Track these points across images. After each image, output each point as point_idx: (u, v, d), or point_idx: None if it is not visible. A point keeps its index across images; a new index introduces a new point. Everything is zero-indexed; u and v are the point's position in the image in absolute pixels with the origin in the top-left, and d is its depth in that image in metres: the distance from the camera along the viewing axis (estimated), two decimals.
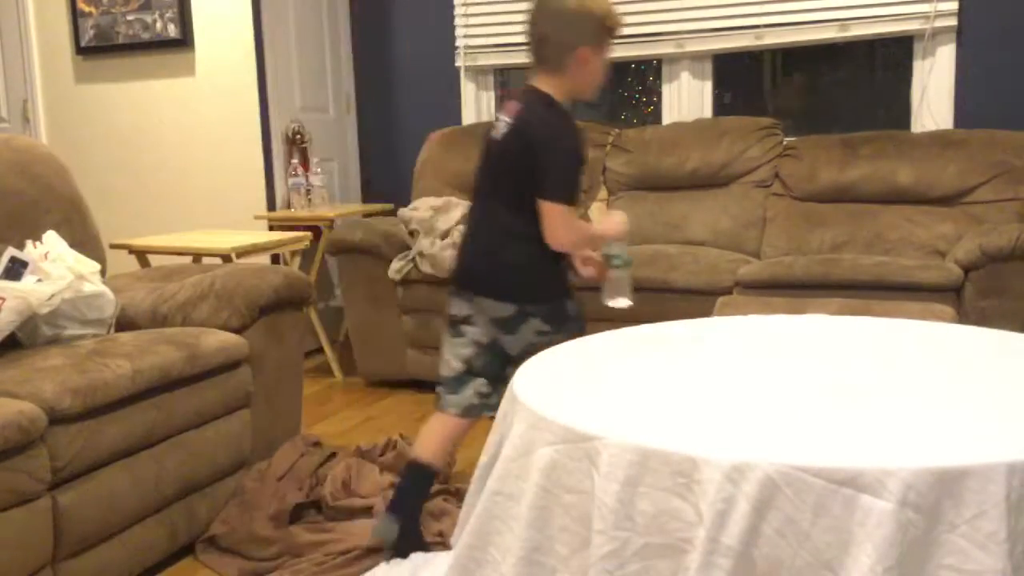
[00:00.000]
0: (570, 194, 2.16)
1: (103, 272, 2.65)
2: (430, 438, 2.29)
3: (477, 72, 4.49)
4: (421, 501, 2.29)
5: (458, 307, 2.28)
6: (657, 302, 3.22)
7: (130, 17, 4.30)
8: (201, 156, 4.33)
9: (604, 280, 2.22)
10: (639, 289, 3.27)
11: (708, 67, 4.11)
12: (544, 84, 2.18)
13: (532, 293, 2.21)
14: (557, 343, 1.88)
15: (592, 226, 2.40)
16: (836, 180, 3.57)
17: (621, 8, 4.06)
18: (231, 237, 3.69)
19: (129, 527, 2.14)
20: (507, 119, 2.20)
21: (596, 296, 2.31)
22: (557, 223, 2.12)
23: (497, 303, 2.19)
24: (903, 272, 3.02)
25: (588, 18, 2.13)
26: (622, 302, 2.20)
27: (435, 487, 2.54)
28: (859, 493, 1.13)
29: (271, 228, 4.17)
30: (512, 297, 2.18)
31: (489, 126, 2.30)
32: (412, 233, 3.67)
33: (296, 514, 2.42)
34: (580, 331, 2.21)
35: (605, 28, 2.15)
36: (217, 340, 2.38)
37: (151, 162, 4.44)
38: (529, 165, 2.12)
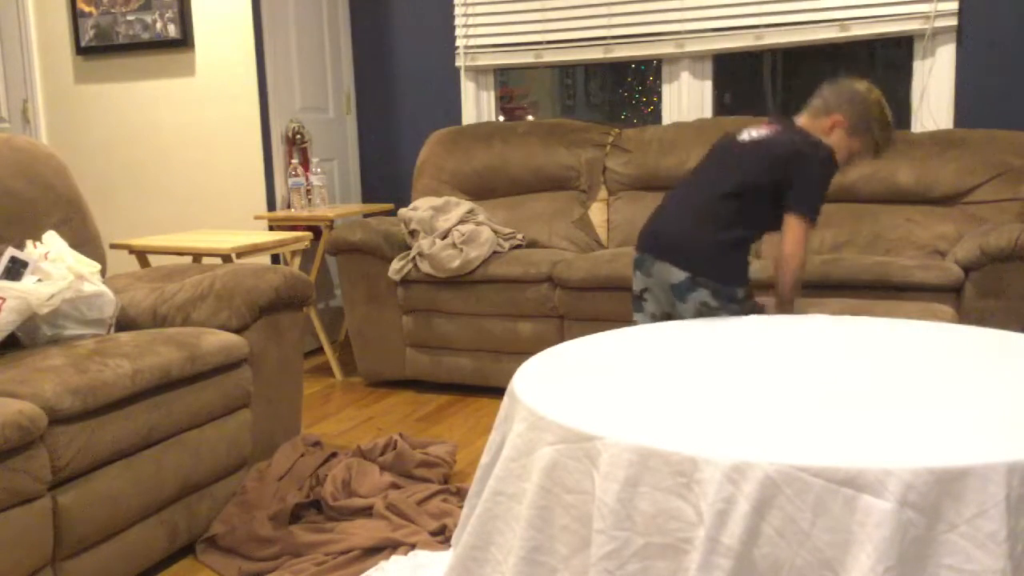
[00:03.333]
0: (816, 214, 2.40)
1: (103, 272, 2.65)
2: None
3: (477, 72, 4.49)
4: None
5: (637, 282, 2.52)
6: None
7: (130, 17, 4.30)
8: (201, 156, 4.33)
9: None
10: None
11: (708, 67, 4.11)
12: (802, 122, 2.49)
13: (709, 269, 2.36)
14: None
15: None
16: (836, 180, 3.54)
17: (621, 8, 4.10)
18: (231, 237, 3.69)
19: (129, 527, 2.14)
20: (761, 131, 2.45)
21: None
22: (799, 238, 2.37)
23: (674, 269, 2.37)
24: (903, 272, 3.02)
25: (861, 103, 2.45)
26: None
27: (436, 487, 2.55)
28: (859, 493, 1.13)
29: (271, 228, 4.17)
30: (689, 267, 2.35)
31: (732, 131, 2.56)
32: (412, 233, 3.67)
33: (296, 514, 2.42)
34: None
35: (866, 124, 2.45)
36: (217, 340, 2.38)
37: (151, 162, 4.44)
38: (773, 178, 2.37)
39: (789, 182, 2.37)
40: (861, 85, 2.49)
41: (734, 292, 2.36)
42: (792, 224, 2.37)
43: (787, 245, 2.37)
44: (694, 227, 2.40)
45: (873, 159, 2.56)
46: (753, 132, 2.48)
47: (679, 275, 2.35)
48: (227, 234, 3.82)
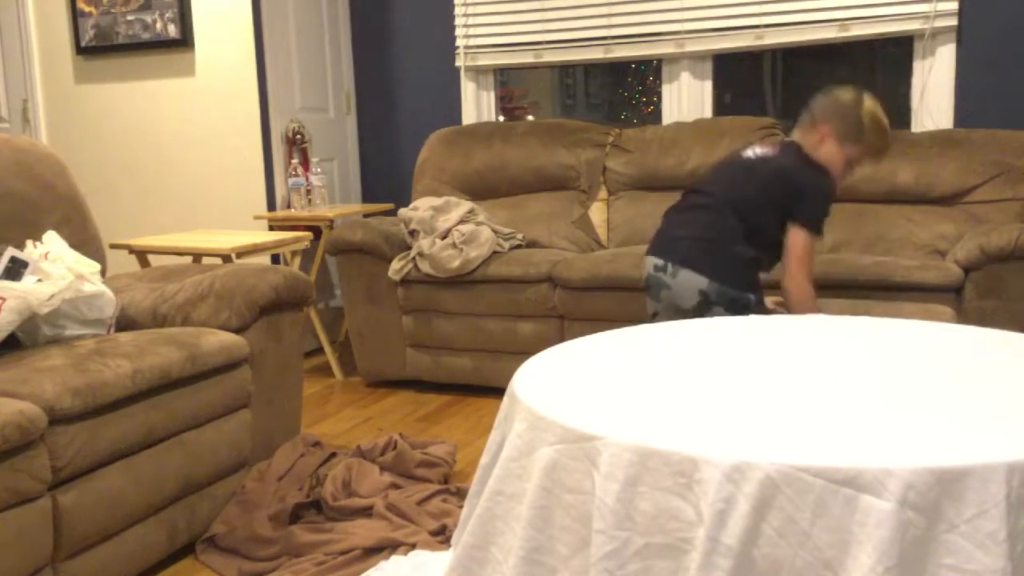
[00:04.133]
0: (819, 226, 2.44)
1: (103, 272, 2.65)
2: None
3: (477, 72, 4.49)
4: None
5: (649, 305, 2.61)
6: None
7: (130, 17, 4.30)
8: (201, 156, 4.33)
9: None
10: (640, 289, 3.29)
11: (708, 67, 4.11)
12: (797, 137, 2.53)
13: (727, 276, 2.42)
14: None
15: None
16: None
17: (621, 8, 4.10)
18: (231, 237, 3.69)
19: (129, 527, 2.14)
20: (766, 150, 2.53)
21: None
22: (803, 245, 2.41)
23: (696, 276, 2.42)
24: (903, 272, 3.02)
25: (848, 113, 2.45)
26: None
27: (436, 487, 2.55)
28: (859, 493, 1.13)
29: (271, 228, 4.17)
30: (708, 273, 2.42)
31: (738, 149, 2.64)
32: (412, 233, 3.67)
33: (296, 514, 2.42)
34: None
35: (856, 132, 2.45)
36: (217, 340, 2.38)
37: (151, 162, 4.44)
38: (776, 194, 2.44)
39: (790, 201, 2.43)
40: (848, 94, 2.51)
41: (749, 300, 2.42)
42: (795, 233, 2.42)
43: (792, 253, 2.42)
44: (708, 240, 2.47)
45: (874, 163, 2.62)
46: (758, 149, 2.54)
47: (691, 298, 2.44)
48: (227, 234, 3.82)
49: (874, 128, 2.48)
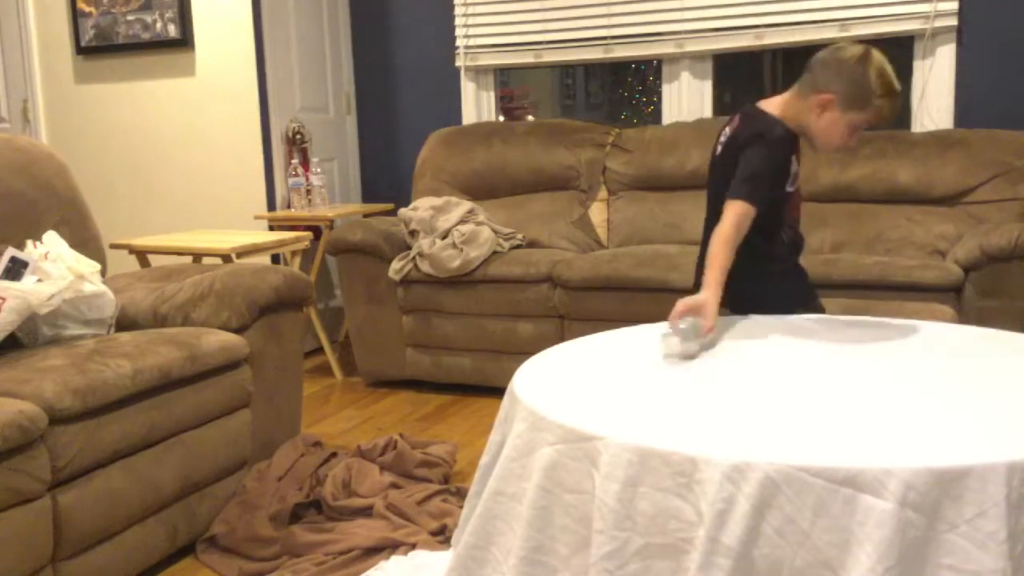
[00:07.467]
0: (755, 195, 2.06)
1: (103, 272, 2.65)
2: None
3: (477, 72, 4.49)
4: None
5: None
6: (657, 302, 3.22)
7: (130, 17, 4.30)
8: (201, 156, 4.33)
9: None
10: (640, 289, 3.29)
11: (708, 67, 4.11)
12: (775, 104, 2.21)
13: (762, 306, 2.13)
14: None
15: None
16: (836, 180, 3.57)
17: (621, 8, 4.10)
18: (231, 237, 3.69)
19: (129, 527, 2.14)
20: (726, 132, 2.24)
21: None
22: (731, 221, 2.03)
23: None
24: (903, 272, 3.02)
25: (853, 75, 2.10)
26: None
27: (435, 487, 2.55)
28: (859, 493, 1.13)
29: (271, 228, 4.17)
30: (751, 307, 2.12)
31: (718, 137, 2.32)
32: (412, 233, 3.67)
33: (296, 514, 2.42)
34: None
35: (862, 97, 2.10)
36: (217, 340, 2.38)
37: (151, 162, 4.44)
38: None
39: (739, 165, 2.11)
40: (853, 52, 2.17)
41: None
42: (727, 208, 2.06)
43: (720, 228, 2.05)
44: (702, 257, 2.18)
45: (880, 125, 2.26)
46: (723, 135, 2.26)
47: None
48: (227, 234, 3.82)
49: (884, 89, 2.13)
